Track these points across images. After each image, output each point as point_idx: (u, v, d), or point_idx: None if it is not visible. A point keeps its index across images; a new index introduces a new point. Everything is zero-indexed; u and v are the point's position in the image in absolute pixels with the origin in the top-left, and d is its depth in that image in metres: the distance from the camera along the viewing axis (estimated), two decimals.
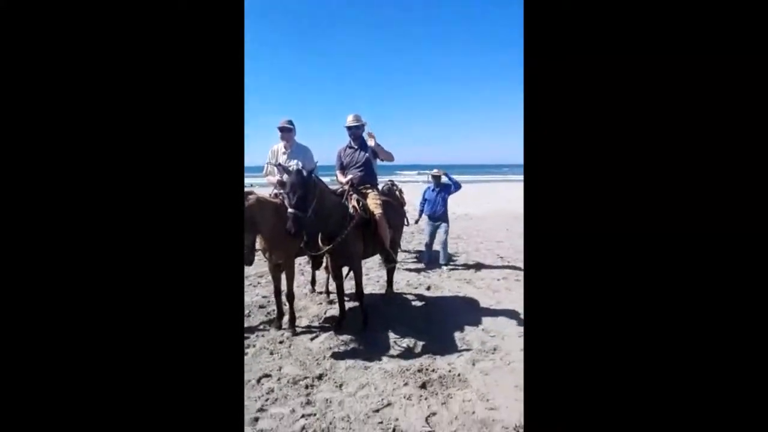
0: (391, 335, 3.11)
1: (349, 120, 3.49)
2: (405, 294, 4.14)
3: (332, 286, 4.09)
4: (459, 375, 2.53)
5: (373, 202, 3.28)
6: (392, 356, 2.78)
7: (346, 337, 3.07)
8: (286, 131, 3.54)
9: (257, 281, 4.62)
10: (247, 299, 3.97)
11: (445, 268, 5.07)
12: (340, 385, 2.45)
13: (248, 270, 5.03)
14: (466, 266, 5.24)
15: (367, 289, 4.01)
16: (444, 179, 5.32)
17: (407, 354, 2.81)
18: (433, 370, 2.57)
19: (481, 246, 6.51)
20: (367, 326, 3.19)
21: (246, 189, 2.77)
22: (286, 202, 2.75)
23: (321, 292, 4.15)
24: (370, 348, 2.90)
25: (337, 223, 2.95)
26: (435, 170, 5.47)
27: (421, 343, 2.96)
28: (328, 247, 2.94)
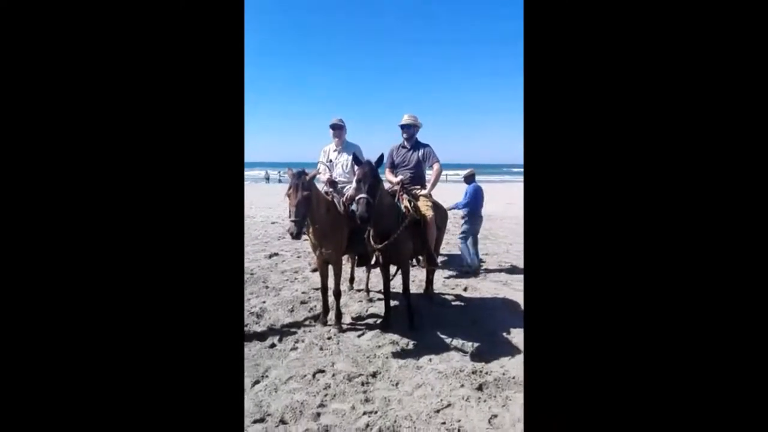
0: (439, 335, 3.11)
1: (405, 118, 3.49)
2: (443, 294, 4.14)
3: (372, 284, 4.12)
4: (514, 378, 2.51)
5: (424, 204, 3.29)
6: (442, 356, 2.78)
7: (393, 336, 3.08)
8: (338, 128, 3.57)
9: (294, 277, 4.66)
10: (287, 294, 4.02)
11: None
12: (396, 384, 2.46)
13: (284, 266, 5.11)
14: (500, 268, 5.20)
15: (398, 288, 4.01)
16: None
17: (457, 355, 2.80)
18: (487, 373, 2.56)
19: (512, 248, 6.47)
20: (412, 326, 3.20)
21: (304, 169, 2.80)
22: (350, 194, 2.87)
23: (360, 290, 4.17)
24: (419, 348, 2.91)
25: (390, 221, 2.96)
26: (468, 170, 5.50)
27: (469, 344, 2.95)
28: (382, 245, 2.94)
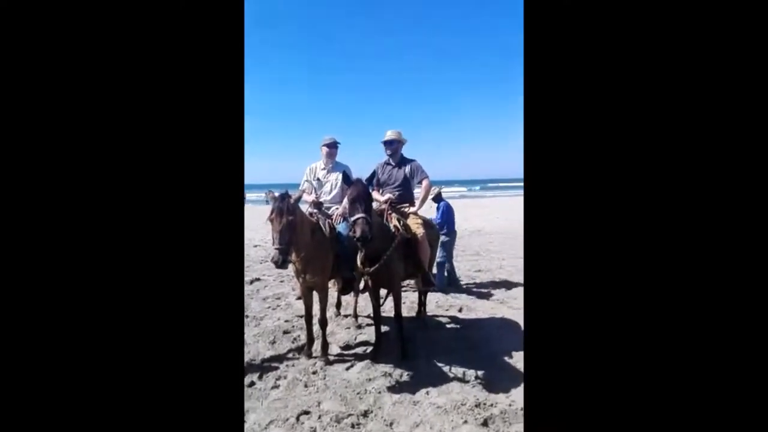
0: (435, 364, 2.85)
1: (388, 134, 3.32)
2: (437, 317, 3.88)
3: (360, 308, 3.85)
4: (522, 409, 2.26)
5: (414, 222, 3.08)
6: (441, 389, 2.51)
7: (385, 367, 2.79)
8: (333, 147, 3.42)
9: (276, 304, 4.35)
10: (269, 324, 3.70)
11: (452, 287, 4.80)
12: (390, 424, 2.17)
13: (266, 291, 4.80)
14: (494, 285, 4.99)
15: (388, 313, 3.75)
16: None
17: (457, 386, 2.54)
18: (492, 405, 2.30)
19: (504, 263, 6.26)
20: (406, 354, 2.92)
21: (287, 191, 2.58)
22: (340, 212, 2.89)
23: (347, 315, 3.88)
24: (415, 379, 2.63)
25: (380, 243, 2.73)
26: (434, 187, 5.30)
27: (470, 373, 2.69)
28: (373, 268, 2.70)
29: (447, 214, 4.97)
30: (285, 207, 2.43)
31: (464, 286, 4.94)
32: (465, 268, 5.87)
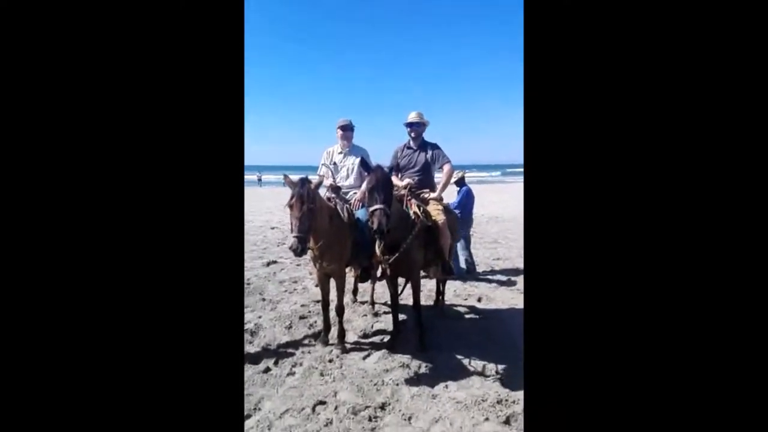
0: (454, 356, 2.76)
1: (412, 116, 3.17)
2: (456, 306, 3.79)
3: (377, 295, 3.78)
4: None
5: (435, 209, 2.96)
6: (461, 383, 2.43)
7: (402, 358, 2.72)
8: (347, 129, 3.28)
9: (293, 287, 4.32)
10: (285, 308, 3.68)
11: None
12: (409, 418, 2.11)
13: (282, 275, 4.78)
14: (516, 272, 4.85)
15: (405, 300, 3.67)
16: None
17: (477, 380, 2.45)
18: (515, 402, 2.21)
19: (523, 251, 6.09)
20: (424, 345, 2.85)
21: (307, 176, 2.49)
22: (358, 198, 2.78)
23: (364, 302, 3.83)
24: (433, 372, 2.56)
25: (400, 230, 2.63)
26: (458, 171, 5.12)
27: (490, 366, 2.60)
28: (393, 258, 2.60)
29: (466, 199, 4.84)
30: (305, 193, 2.34)
31: (483, 275, 4.82)
32: (483, 256, 5.75)
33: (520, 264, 5.32)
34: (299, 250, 2.28)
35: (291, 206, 2.35)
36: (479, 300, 3.92)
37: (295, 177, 2.48)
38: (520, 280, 4.58)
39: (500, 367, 2.59)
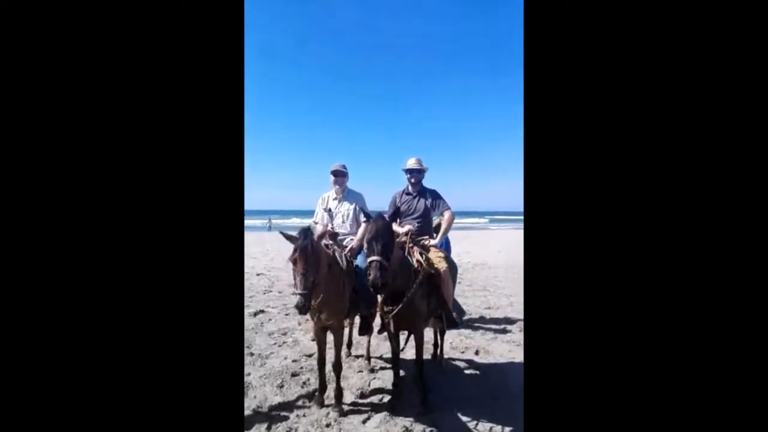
0: (459, 417, 2.62)
1: (411, 162, 3.21)
2: (453, 360, 3.66)
3: (374, 350, 3.63)
4: None
5: (436, 256, 2.92)
6: None
7: (405, 421, 2.56)
8: (340, 175, 3.25)
9: (282, 340, 4.11)
10: (276, 364, 3.47)
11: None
12: None
13: (270, 326, 4.57)
14: (508, 322, 4.78)
15: (403, 354, 3.53)
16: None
17: None
18: None
19: (513, 299, 6.07)
20: (427, 406, 2.70)
21: (308, 226, 2.41)
22: (354, 245, 2.71)
23: (359, 356, 3.66)
24: None
25: (402, 279, 2.56)
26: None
27: (498, 429, 2.47)
28: (396, 309, 2.52)
29: (446, 247, 4.83)
30: (309, 246, 2.23)
31: (475, 324, 4.73)
32: (474, 305, 5.68)
33: (511, 313, 5.27)
34: (305, 309, 2.18)
35: (294, 261, 2.24)
36: (477, 353, 3.81)
37: (295, 232, 2.35)
38: (514, 330, 4.51)
39: (509, 428, 2.46)
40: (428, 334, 3.84)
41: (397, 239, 2.92)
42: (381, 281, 2.20)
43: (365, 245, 2.42)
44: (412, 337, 2.82)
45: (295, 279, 2.23)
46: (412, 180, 3.22)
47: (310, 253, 2.22)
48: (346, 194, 3.31)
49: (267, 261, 9.56)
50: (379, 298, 2.63)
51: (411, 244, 2.87)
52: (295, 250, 2.24)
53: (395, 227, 3.15)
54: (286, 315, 4.98)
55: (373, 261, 2.25)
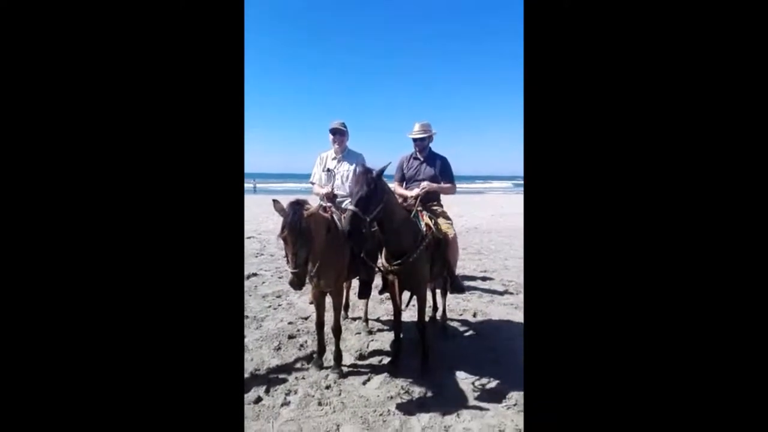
0: (460, 377, 2.61)
1: (416, 129, 3.02)
2: (450, 320, 3.64)
3: (372, 313, 3.58)
4: None
5: (445, 222, 2.84)
6: (473, 412, 2.26)
7: (405, 382, 2.53)
8: (339, 134, 3.04)
9: (277, 303, 4.04)
10: (271, 326, 3.41)
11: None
12: None
13: (264, 288, 4.49)
14: (504, 288, 4.77)
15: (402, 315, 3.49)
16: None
17: (490, 407, 2.30)
18: None
19: (508, 263, 6.07)
20: (428, 367, 2.67)
21: (299, 198, 2.23)
22: (344, 206, 2.47)
23: (356, 318, 3.62)
24: (441, 398, 2.39)
25: (407, 240, 2.48)
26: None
27: (499, 390, 2.46)
28: (397, 262, 2.46)
29: None
30: (298, 221, 2.05)
31: (472, 288, 4.72)
32: (470, 268, 5.67)
33: (507, 276, 5.26)
34: (299, 287, 2.08)
35: (284, 238, 2.07)
36: (474, 315, 3.80)
37: (285, 203, 2.17)
38: (511, 296, 4.50)
39: (511, 392, 2.45)
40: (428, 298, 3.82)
41: (406, 203, 2.79)
42: (349, 228, 2.20)
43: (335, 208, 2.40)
44: (414, 298, 2.75)
45: (287, 255, 2.10)
46: (417, 148, 3.08)
47: (300, 229, 2.05)
48: (346, 154, 3.12)
49: (256, 224, 9.40)
50: (381, 260, 2.55)
51: (420, 208, 2.76)
52: (283, 227, 2.07)
53: (402, 191, 3.00)
54: (280, 278, 4.90)
55: (348, 210, 2.23)
